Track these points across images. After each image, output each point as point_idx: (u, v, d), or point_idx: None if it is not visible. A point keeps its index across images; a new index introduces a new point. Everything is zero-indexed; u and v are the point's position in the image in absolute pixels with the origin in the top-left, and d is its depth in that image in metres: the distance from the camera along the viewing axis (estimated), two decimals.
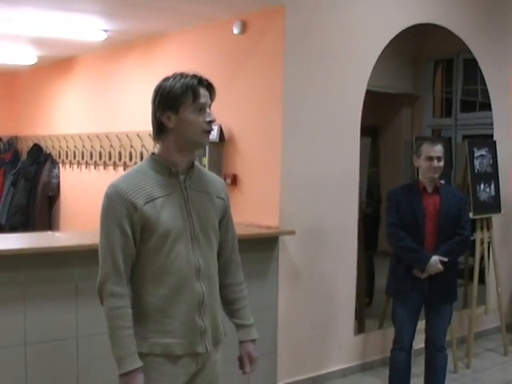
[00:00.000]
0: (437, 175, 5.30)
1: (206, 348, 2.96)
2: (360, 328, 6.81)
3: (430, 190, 5.33)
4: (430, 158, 5.27)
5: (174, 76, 2.90)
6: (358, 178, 6.47)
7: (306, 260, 6.06)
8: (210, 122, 2.90)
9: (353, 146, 6.40)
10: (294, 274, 5.97)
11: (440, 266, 5.19)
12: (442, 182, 5.56)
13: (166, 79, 2.91)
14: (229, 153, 6.30)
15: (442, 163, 5.30)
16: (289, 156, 5.85)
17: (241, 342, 3.21)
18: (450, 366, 6.68)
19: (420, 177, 5.39)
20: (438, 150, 5.29)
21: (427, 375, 5.57)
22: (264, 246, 5.71)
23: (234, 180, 6.16)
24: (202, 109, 2.86)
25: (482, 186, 7.21)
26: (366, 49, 6.48)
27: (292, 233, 5.74)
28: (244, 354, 3.21)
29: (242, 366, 3.23)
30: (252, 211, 5.91)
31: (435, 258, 5.18)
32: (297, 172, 5.91)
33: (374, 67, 6.57)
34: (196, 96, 2.84)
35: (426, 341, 5.53)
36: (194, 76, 2.88)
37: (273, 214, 5.79)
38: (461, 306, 7.62)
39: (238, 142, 6.24)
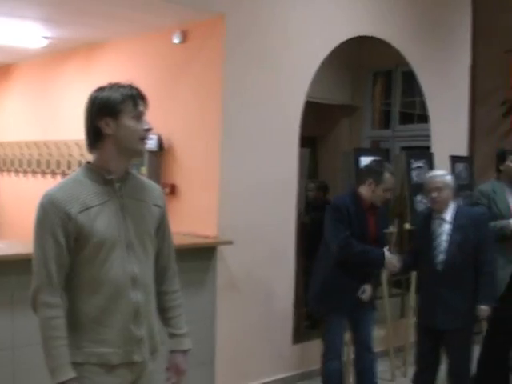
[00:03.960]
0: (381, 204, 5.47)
1: (143, 357, 2.95)
2: (298, 337, 6.83)
3: (371, 209, 5.46)
4: (387, 191, 5.41)
5: (111, 86, 2.91)
6: (296, 188, 6.50)
7: (244, 270, 6.07)
8: (147, 131, 2.93)
9: (291, 156, 6.43)
10: (232, 284, 5.97)
11: (395, 263, 5.39)
12: None
13: (101, 89, 2.92)
14: (168, 162, 6.29)
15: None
16: (227, 166, 5.86)
17: (171, 352, 3.19)
18: (387, 374, 6.83)
19: (364, 195, 5.43)
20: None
21: (362, 379, 5.67)
22: (202, 255, 5.71)
23: (173, 189, 6.15)
24: (139, 116, 2.89)
25: (419, 197, 7.29)
26: (305, 59, 6.52)
27: (230, 243, 5.75)
28: (172, 364, 3.19)
29: (168, 376, 3.21)
30: (190, 221, 5.90)
31: (388, 253, 5.39)
32: (235, 182, 5.92)
33: (314, 78, 6.62)
34: (136, 103, 2.87)
35: (358, 346, 5.63)
36: (131, 86, 2.92)
37: (211, 224, 5.79)
38: (398, 315, 7.72)
39: (176, 151, 6.23)
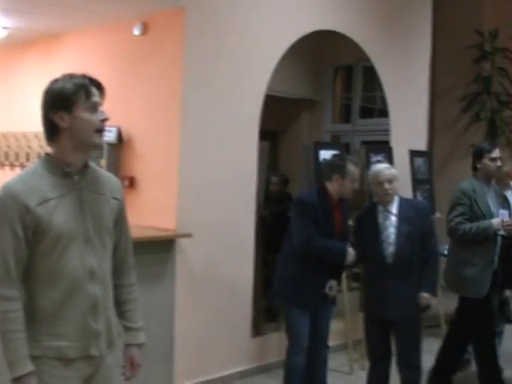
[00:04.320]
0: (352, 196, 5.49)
1: (100, 351, 2.94)
2: (257, 331, 6.85)
3: (338, 206, 5.50)
4: (355, 182, 5.43)
5: (63, 77, 2.88)
6: (256, 182, 6.52)
7: (204, 263, 6.07)
8: (103, 121, 2.90)
9: (251, 149, 6.44)
10: (192, 277, 5.97)
11: (353, 255, 5.40)
12: None
13: (55, 81, 2.89)
14: (127, 155, 6.26)
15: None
16: (186, 159, 5.85)
17: (126, 346, 3.19)
18: (345, 367, 6.86)
19: (332, 191, 5.46)
20: (359, 171, 5.46)
21: (314, 370, 5.72)
22: (161, 248, 5.70)
23: (132, 182, 6.12)
24: (94, 108, 2.86)
25: None
26: (266, 53, 6.53)
27: (189, 235, 5.75)
28: (126, 358, 3.19)
29: (123, 371, 3.20)
30: (149, 214, 5.89)
31: (348, 246, 5.39)
32: (194, 175, 5.92)
33: (275, 72, 6.63)
34: (89, 94, 2.84)
35: (315, 338, 5.64)
36: (84, 76, 2.88)
37: (170, 217, 5.78)
38: (356, 309, 7.75)
39: (136, 144, 6.21)
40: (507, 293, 6.89)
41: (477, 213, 5.88)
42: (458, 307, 6.32)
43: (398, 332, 5.40)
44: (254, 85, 6.44)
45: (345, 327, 7.05)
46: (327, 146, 7.18)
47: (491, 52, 10.97)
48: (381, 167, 5.51)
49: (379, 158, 7.45)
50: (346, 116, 10.60)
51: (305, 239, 5.32)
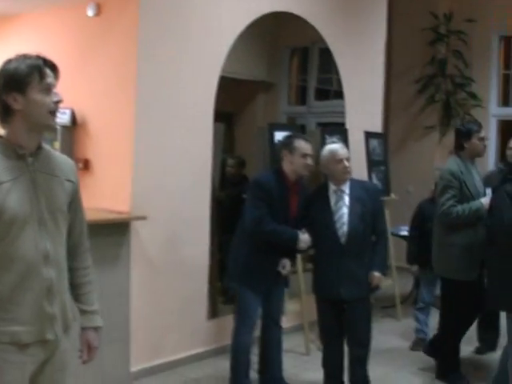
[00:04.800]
0: (307, 173, 5.46)
1: (56, 335, 2.92)
2: (214, 313, 6.85)
3: (295, 187, 5.49)
4: (305, 156, 5.40)
5: (17, 58, 2.83)
6: (211, 164, 6.50)
7: (159, 245, 6.05)
8: (57, 103, 2.87)
9: (206, 131, 6.41)
10: (147, 259, 5.95)
11: (308, 240, 5.39)
12: None
13: (8, 61, 2.84)
14: (81, 137, 6.20)
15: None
16: (141, 141, 5.81)
17: (82, 329, 3.17)
18: (301, 348, 6.89)
19: (286, 170, 5.45)
20: (311, 147, 5.43)
21: (270, 352, 5.76)
22: (115, 231, 5.66)
23: (86, 164, 6.07)
24: (48, 89, 2.83)
25: None
26: (221, 34, 6.50)
27: (143, 218, 5.71)
28: (83, 341, 3.17)
29: (81, 355, 3.19)
30: (104, 196, 5.84)
31: (300, 233, 5.36)
32: (149, 157, 5.88)
33: (231, 53, 6.61)
34: (42, 76, 2.80)
35: (268, 320, 5.71)
36: (38, 57, 2.84)
37: (124, 199, 5.74)
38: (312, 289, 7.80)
39: (90, 126, 6.15)
40: None
41: (466, 194, 5.83)
42: (442, 292, 6.26)
43: (351, 311, 5.43)
44: (209, 66, 6.41)
45: (301, 308, 7.08)
46: (282, 128, 7.17)
47: (446, 34, 11.08)
48: (337, 146, 5.53)
49: (334, 139, 7.45)
50: (302, 98, 10.60)
51: (256, 220, 5.32)
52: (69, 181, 3.02)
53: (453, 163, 6.01)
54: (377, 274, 5.35)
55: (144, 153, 5.84)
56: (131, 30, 5.81)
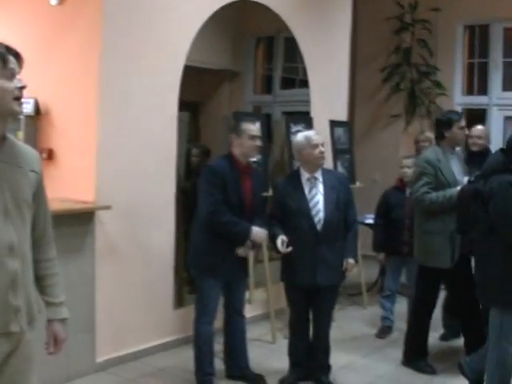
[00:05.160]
0: (257, 154, 5.47)
1: (21, 327, 2.89)
2: (180, 302, 6.85)
3: (247, 170, 5.50)
4: (253, 137, 5.41)
5: None
6: (176, 153, 6.47)
7: (124, 235, 6.02)
8: (21, 89, 2.84)
9: (170, 120, 6.39)
10: (112, 249, 5.91)
11: (264, 234, 5.46)
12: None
13: None
14: (44, 127, 6.14)
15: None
16: (105, 130, 5.77)
17: (48, 321, 3.15)
18: (268, 336, 6.91)
19: (237, 154, 5.46)
20: (258, 129, 5.45)
21: (234, 341, 5.78)
22: (79, 221, 5.62)
23: (50, 154, 6.00)
24: (11, 75, 2.79)
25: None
26: (185, 23, 6.47)
27: (108, 208, 5.68)
28: (50, 333, 3.16)
29: (47, 346, 3.18)
30: (68, 186, 5.79)
31: (256, 227, 5.39)
32: (113, 146, 5.85)
33: (196, 42, 6.58)
34: (5, 62, 2.77)
35: (230, 310, 5.74)
36: (1, 44, 2.81)
37: (89, 189, 5.70)
38: (278, 278, 7.80)
39: (54, 115, 6.09)
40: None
41: (442, 181, 5.86)
42: (417, 280, 6.33)
43: (322, 298, 5.56)
44: (173, 55, 6.38)
45: (267, 297, 7.08)
46: (247, 117, 7.16)
47: (411, 23, 11.12)
48: (311, 132, 5.68)
49: (299, 128, 7.47)
50: (267, 87, 10.60)
51: (211, 209, 5.33)
52: (33, 171, 2.99)
53: (431, 152, 6.09)
54: (351, 260, 5.47)
55: (108, 142, 5.80)
56: (95, 19, 5.76)
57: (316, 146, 5.43)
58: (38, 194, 3.05)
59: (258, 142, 5.46)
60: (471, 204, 5.08)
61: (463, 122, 6.06)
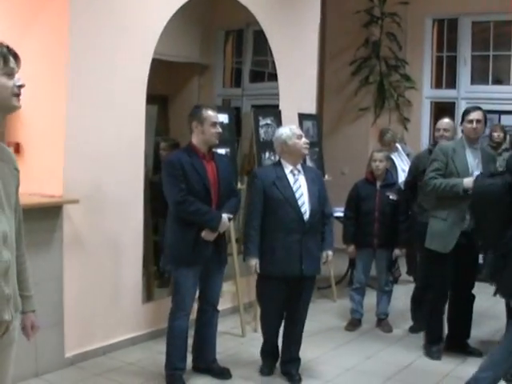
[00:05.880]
0: (217, 141, 5.48)
1: (11, 315, 2.98)
2: (149, 296, 6.83)
3: (208, 156, 5.49)
4: (215, 124, 5.43)
5: None
6: (144, 146, 6.45)
7: (92, 229, 5.98)
8: (20, 87, 2.98)
9: (138, 113, 6.36)
10: (80, 243, 5.88)
11: (229, 224, 5.53)
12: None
13: None
14: (11, 120, 6.07)
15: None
16: (73, 124, 5.73)
17: (23, 313, 3.22)
18: (237, 330, 6.91)
19: (197, 143, 5.47)
20: (219, 116, 5.47)
21: (204, 334, 5.77)
22: (47, 215, 5.58)
23: (17, 148, 5.94)
24: (11, 74, 2.93)
25: (267, 154, 7.37)
26: (153, 17, 6.44)
27: (76, 201, 5.63)
28: (28, 323, 3.25)
29: (25, 334, 3.28)
30: (35, 180, 5.71)
31: (225, 216, 5.41)
32: (81, 140, 5.80)
33: (165, 36, 6.55)
34: (6, 60, 2.91)
35: (205, 303, 5.72)
36: (2, 44, 2.96)
37: (56, 183, 5.66)
38: (247, 272, 7.81)
39: (21, 109, 5.96)
40: (397, 252, 7.10)
41: (452, 170, 6.08)
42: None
43: (301, 289, 5.63)
44: (141, 48, 6.34)
45: (236, 290, 7.08)
46: (218, 110, 7.14)
47: (380, 17, 11.16)
48: (293, 125, 5.85)
49: (268, 121, 7.48)
50: (237, 80, 10.58)
51: (178, 200, 5.35)
52: (16, 169, 3.13)
53: (451, 142, 6.47)
54: (330, 252, 5.68)
55: (76, 136, 5.76)
56: (62, 12, 5.71)
57: (301, 136, 5.61)
58: (17, 190, 3.15)
59: (219, 129, 5.48)
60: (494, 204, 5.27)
61: (471, 116, 6.19)
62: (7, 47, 2.96)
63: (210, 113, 5.45)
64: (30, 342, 3.39)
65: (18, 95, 2.99)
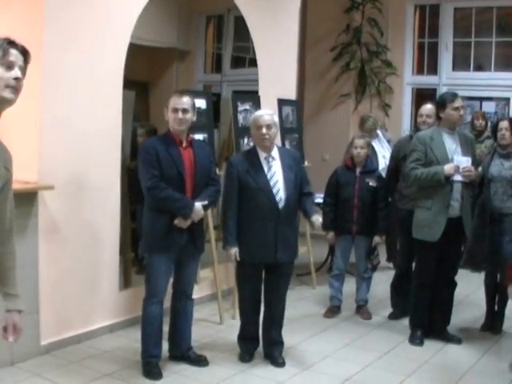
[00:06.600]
0: (183, 127, 5.39)
1: None
2: (126, 283, 6.79)
3: (184, 143, 5.43)
4: (176, 110, 5.35)
5: None
6: (121, 133, 6.39)
7: (68, 216, 5.92)
8: (16, 80, 2.94)
9: (115, 99, 6.29)
10: (55, 231, 5.82)
11: (203, 212, 5.41)
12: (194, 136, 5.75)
13: None
14: None
15: (188, 116, 5.40)
16: (48, 110, 5.66)
17: (7, 311, 3.20)
18: (216, 317, 6.89)
19: (171, 126, 5.43)
20: (184, 101, 5.38)
21: (178, 322, 5.73)
22: (22, 201, 5.46)
23: None
24: (9, 66, 2.90)
25: (246, 140, 7.34)
26: (130, 1, 6.38)
27: (51, 188, 5.58)
28: (10, 323, 3.20)
29: (5, 334, 3.23)
30: None
31: (198, 204, 5.35)
32: (57, 126, 5.74)
33: (143, 21, 6.48)
34: (5, 53, 2.89)
35: (178, 292, 5.69)
36: (6, 38, 2.95)
37: (31, 169, 5.58)
38: (224, 258, 7.79)
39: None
40: (376, 239, 7.09)
41: (431, 159, 6.08)
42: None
43: (278, 275, 5.67)
44: (118, 34, 6.26)
45: (214, 277, 7.04)
46: (197, 95, 7.08)
47: (361, 3, 11.14)
48: (261, 112, 5.69)
49: (247, 106, 7.44)
50: (218, 66, 10.53)
51: (150, 185, 5.31)
52: (5, 168, 3.26)
53: (427, 131, 6.40)
54: (317, 215, 5.66)
55: (51, 122, 5.69)
56: None
57: (260, 127, 5.49)
58: (6, 188, 3.30)
59: (180, 115, 5.35)
60: None
61: (457, 103, 6.13)
62: (10, 41, 2.94)
63: (174, 98, 5.40)
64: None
65: (12, 87, 2.95)
